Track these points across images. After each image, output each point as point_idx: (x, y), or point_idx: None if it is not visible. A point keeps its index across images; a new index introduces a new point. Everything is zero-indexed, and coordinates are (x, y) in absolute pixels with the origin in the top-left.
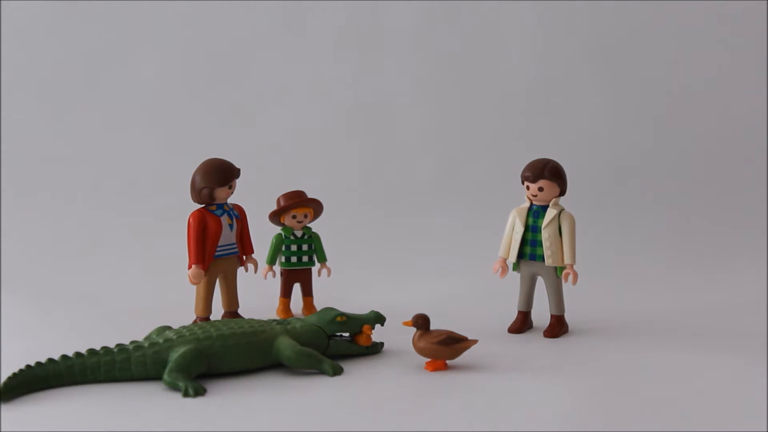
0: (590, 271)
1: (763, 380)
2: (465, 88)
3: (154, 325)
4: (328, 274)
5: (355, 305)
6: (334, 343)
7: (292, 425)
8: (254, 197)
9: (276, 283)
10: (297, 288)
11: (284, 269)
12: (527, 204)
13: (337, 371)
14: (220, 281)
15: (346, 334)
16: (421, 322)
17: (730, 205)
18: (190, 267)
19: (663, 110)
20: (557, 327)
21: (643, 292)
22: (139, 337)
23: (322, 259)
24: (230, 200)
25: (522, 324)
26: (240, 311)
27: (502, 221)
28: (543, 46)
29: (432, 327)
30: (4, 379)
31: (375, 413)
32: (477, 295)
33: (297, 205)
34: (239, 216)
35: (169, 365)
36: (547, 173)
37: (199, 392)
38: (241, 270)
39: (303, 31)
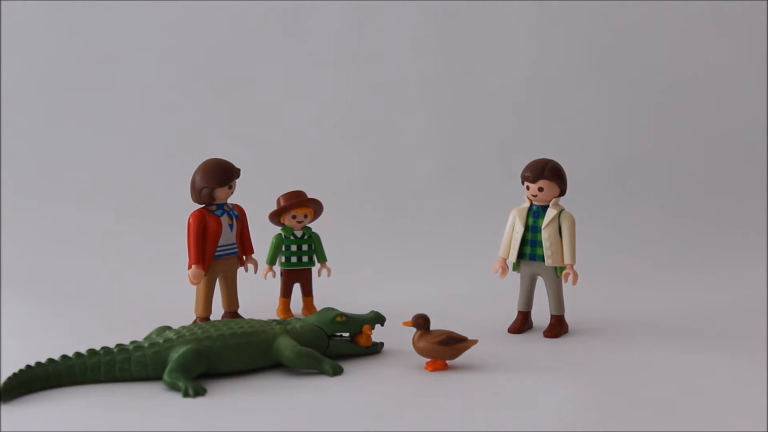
0: (590, 272)
1: (763, 380)
2: (465, 88)
3: (154, 325)
4: (328, 274)
5: (355, 305)
6: (334, 343)
7: (292, 425)
8: (254, 197)
9: (276, 283)
10: (297, 288)
11: (284, 269)
12: (527, 204)
13: (337, 371)
14: (220, 281)
15: (346, 334)
16: (421, 322)
17: (730, 205)
18: (190, 267)
19: (663, 110)
20: (557, 327)
21: (643, 293)
22: (139, 337)
23: (322, 259)
24: (230, 200)
25: (522, 324)
26: (240, 311)
27: (502, 221)
28: (542, 46)
29: (432, 327)
30: (4, 379)
31: (375, 413)
32: (477, 295)
33: (297, 205)
34: (239, 216)
35: (169, 365)
36: (547, 173)
37: (199, 392)
38: (241, 270)
39: (303, 32)
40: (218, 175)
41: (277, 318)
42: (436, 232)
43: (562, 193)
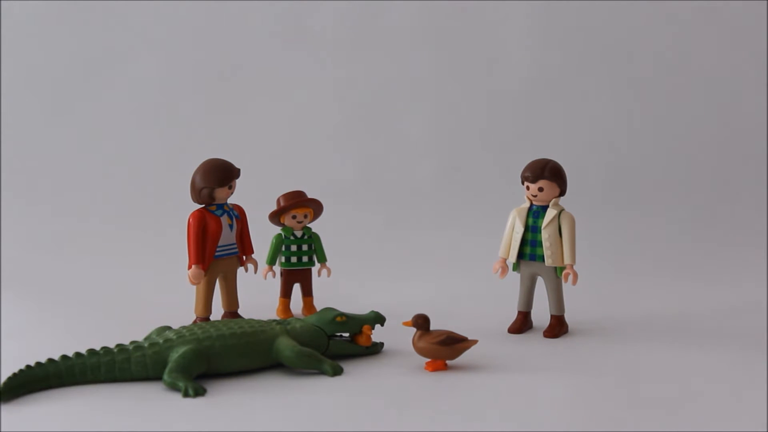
0: (590, 272)
1: (763, 380)
2: (465, 88)
3: (154, 325)
4: (328, 275)
5: (355, 305)
6: (334, 343)
7: (292, 425)
8: (254, 197)
9: (276, 283)
10: (297, 288)
11: (284, 269)
12: (527, 204)
13: (337, 371)
14: (220, 281)
15: (346, 334)
16: (421, 322)
17: (731, 205)
18: (190, 267)
19: (663, 111)
20: (557, 327)
21: (643, 293)
22: (139, 337)
23: (322, 260)
24: (230, 200)
25: (522, 324)
26: (240, 311)
27: (502, 221)
28: (542, 46)
29: (432, 327)
30: (4, 379)
31: (375, 413)
32: (477, 295)
33: (297, 205)
34: (239, 216)
35: (169, 365)
36: (547, 173)
37: (199, 392)
38: (241, 270)
39: (303, 31)
40: (218, 175)
41: (277, 318)
42: (437, 232)
43: (562, 193)
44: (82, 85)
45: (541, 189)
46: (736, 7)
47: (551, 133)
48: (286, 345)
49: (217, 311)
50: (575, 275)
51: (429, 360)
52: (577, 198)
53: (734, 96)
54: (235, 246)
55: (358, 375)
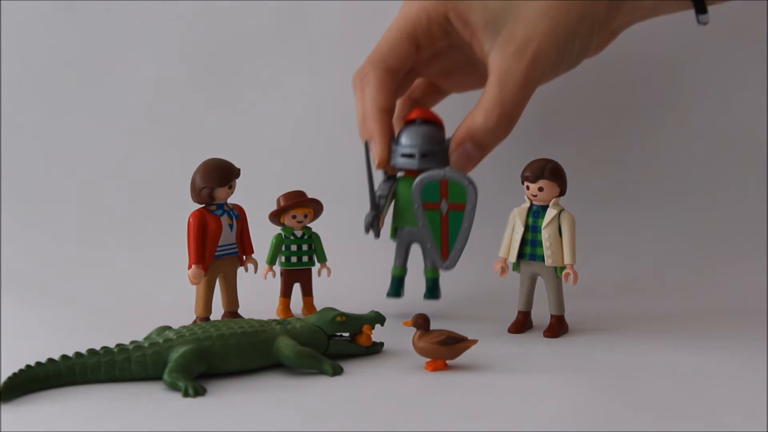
0: (590, 271)
1: (763, 380)
2: None
3: (154, 325)
4: (328, 274)
5: (355, 305)
6: (334, 343)
7: (292, 425)
8: (254, 197)
9: (276, 283)
10: (297, 288)
11: (284, 269)
12: (527, 204)
13: (337, 371)
14: (220, 281)
15: (346, 334)
16: (421, 322)
17: (730, 204)
18: (190, 267)
19: (662, 109)
20: (557, 327)
21: (642, 292)
22: (139, 337)
23: (322, 259)
24: (230, 200)
25: (522, 324)
26: (240, 311)
27: (502, 221)
28: None
29: (432, 327)
30: (4, 379)
31: (375, 413)
32: (477, 295)
33: (297, 205)
34: (239, 216)
35: (169, 365)
36: (547, 173)
37: (199, 392)
38: (241, 270)
39: (303, 31)
40: (218, 175)
41: (277, 318)
42: None
43: (562, 193)
44: (81, 85)
45: (541, 189)
46: (738, 7)
47: (551, 133)
48: (286, 345)
49: (217, 311)
50: (575, 275)
51: (429, 360)
52: (578, 198)
53: (736, 94)
54: (235, 246)
55: (358, 375)
